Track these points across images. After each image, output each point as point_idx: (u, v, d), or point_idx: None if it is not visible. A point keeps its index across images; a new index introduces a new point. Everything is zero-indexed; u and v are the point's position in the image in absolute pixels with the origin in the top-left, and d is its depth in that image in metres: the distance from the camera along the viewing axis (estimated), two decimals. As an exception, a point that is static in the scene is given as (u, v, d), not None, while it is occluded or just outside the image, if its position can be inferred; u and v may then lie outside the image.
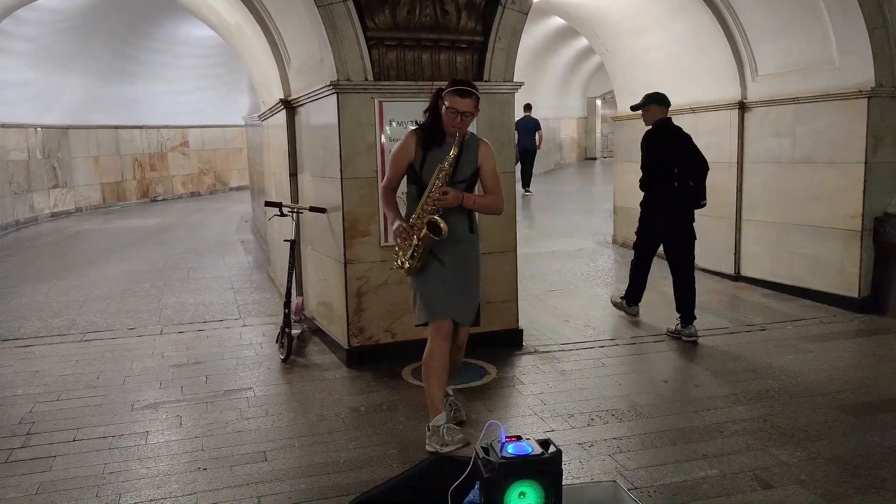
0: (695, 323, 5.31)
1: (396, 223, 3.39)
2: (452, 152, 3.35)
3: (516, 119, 16.53)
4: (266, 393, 4.39)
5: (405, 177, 3.55)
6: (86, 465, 3.43)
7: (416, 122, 3.62)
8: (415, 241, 3.34)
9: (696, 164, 5.32)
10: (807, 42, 6.14)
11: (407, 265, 3.41)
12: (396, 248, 3.45)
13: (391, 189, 3.53)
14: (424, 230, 3.31)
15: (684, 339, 5.27)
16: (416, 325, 3.62)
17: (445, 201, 3.31)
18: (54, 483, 3.26)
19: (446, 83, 3.46)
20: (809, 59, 6.17)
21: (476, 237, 3.61)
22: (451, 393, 3.79)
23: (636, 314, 5.86)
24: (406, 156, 3.46)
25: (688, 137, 5.38)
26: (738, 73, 6.88)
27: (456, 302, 3.51)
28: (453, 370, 3.81)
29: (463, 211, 3.46)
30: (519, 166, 15.12)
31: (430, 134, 3.45)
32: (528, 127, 15.18)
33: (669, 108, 5.41)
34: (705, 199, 5.38)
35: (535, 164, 15.72)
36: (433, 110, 3.45)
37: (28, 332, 5.88)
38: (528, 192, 15.43)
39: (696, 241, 5.44)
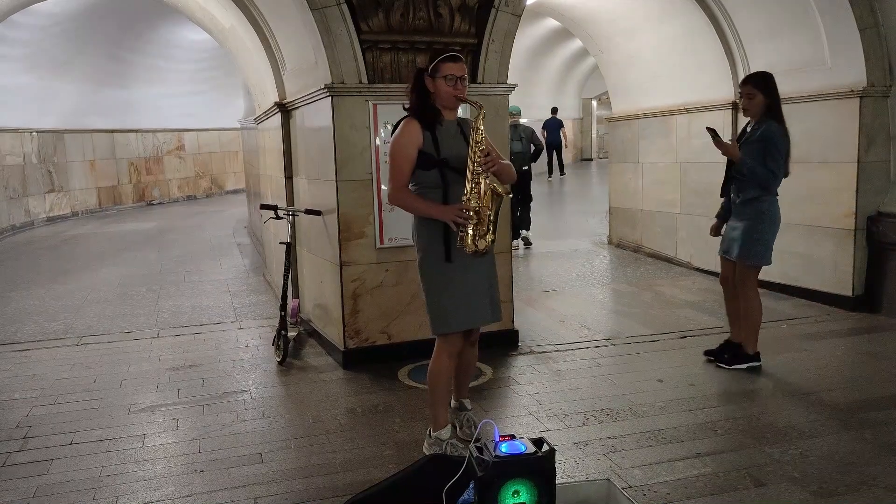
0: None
1: (447, 208, 3.18)
2: (480, 114, 3.16)
3: (543, 120, 20.01)
4: (262, 395, 4.40)
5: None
6: (83, 469, 3.44)
7: (404, 108, 3.39)
8: (486, 214, 3.13)
9: (535, 148, 9.51)
10: (799, 42, 6.17)
11: (487, 241, 3.17)
12: (461, 231, 3.16)
13: (405, 185, 3.27)
14: (489, 193, 3.12)
15: (525, 247, 9.25)
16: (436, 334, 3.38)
17: (493, 161, 3.12)
18: (51, 486, 3.28)
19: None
20: (802, 59, 6.20)
21: None
22: (469, 407, 3.70)
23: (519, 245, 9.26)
24: (414, 143, 3.23)
25: (531, 133, 9.51)
26: (731, 72, 6.91)
27: (482, 302, 3.34)
28: (470, 372, 3.70)
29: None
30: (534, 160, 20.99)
31: (428, 113, 3.27)
32: (554, 126, 19.95)
33: (517, 114, 9.22)
34: (528, 165, 9.40)
35: (557, 156, 20.56)
36: (419, 90, 3.29)
37: (25, 336, 5.88)
38: (550, 178, 20.19)
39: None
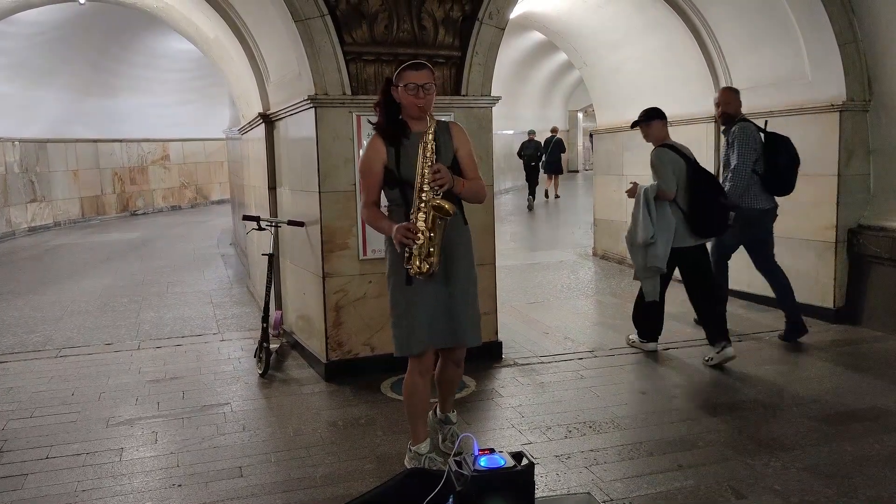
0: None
1: (395, 227, 3.03)
2: (431, 128, 3.05)
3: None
4: (243, 408, 4.36)
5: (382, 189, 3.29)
6: (58, 483, 3.38)
7: (370, 123, 3.30)
8: (426, 235, 2.98)
9: (540, 153, 17.06)
10: (780, 57, 6.24)
11: (430, 264, 3.01)
12: (406, 253, 3.04)
13: (373, 203, 3.21)
14: (432, 213, 2.96)
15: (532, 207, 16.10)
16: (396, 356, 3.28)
17: (442, 178, 2.98)
18: (26, 502, 3.22)
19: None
20: (783, 73, 6.27)
21: (468, 231, 3.31)
22: (454, 420, 3.64)
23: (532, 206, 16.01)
24: (379, 159, 3.15)
25: (538, 144, 17.07)
26: (714, 86, 6.97)
27: (443, 326, 3.20)
28: (453, 389, 3.59)
29: (453, 199, 3.12)
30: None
31: (393, 127, 3.17)
32: None
33: (533, 134, 17.23)
34: (536, 162, 16.88)
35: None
36: (385, 104, 3.18)
37: (2, 349, 5.80)
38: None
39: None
